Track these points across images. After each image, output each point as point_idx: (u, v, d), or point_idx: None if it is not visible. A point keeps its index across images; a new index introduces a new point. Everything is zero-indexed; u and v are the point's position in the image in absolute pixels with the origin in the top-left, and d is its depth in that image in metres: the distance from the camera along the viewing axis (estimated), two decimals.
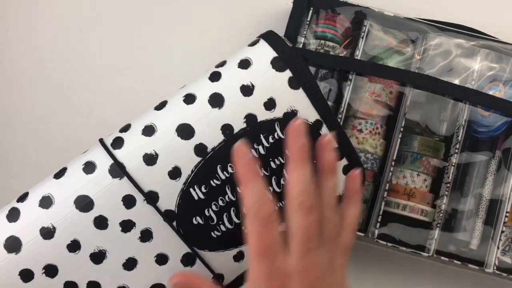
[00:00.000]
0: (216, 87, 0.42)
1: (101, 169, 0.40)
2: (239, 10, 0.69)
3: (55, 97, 0.66)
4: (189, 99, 0.42)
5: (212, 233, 0.43)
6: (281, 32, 0.61)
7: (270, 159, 0.42)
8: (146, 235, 0.41)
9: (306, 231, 0.38)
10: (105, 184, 0.40)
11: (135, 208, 0.40)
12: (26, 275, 0.39)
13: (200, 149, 0.41)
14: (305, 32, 0.61)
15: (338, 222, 0.42)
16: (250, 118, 0.41)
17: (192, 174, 0.41)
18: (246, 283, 0.39)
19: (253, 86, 0.42)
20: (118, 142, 0.41)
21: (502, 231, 0.57)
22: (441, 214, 0.57)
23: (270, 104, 0.42)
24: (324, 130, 0.43)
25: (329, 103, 0.60)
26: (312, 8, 0.62)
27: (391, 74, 0.59)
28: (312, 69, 0.61)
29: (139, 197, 0.40)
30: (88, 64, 0.67)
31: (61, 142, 0.65)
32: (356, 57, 0.60)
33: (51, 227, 0.39)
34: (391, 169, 0.58)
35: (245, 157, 0.39)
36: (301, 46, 0.61)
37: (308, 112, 0.43)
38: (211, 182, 0.41)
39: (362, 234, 0.57)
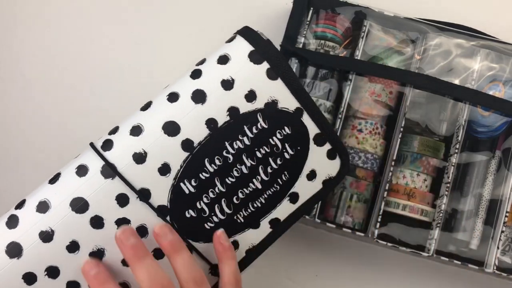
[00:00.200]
0: (197, 84, 0.43)
1: (93, 171, 0.41)
2: (239, 10, 0.69)
3: (54, 97, 0.66)
4: (173, 97, 0.43)
5: (206, 225, 0.44)
6: (281, 32, 0.62)
7: (256, 149, 0.44)
8: (141, 231, 0.42)
9: None
10: (98, 185, 0.41)
11: (129, 206, 0.42)
12: (29, 278, 0.40)
13: (187, 144, 0.42)
14: (305, 32, 0.61)
15: None
16: (233, 111, 0.43)
17: (181, 169, 0.42)
18: None
19: (233, 80, 0.43)
20: (108, 144, 0.42)
21: (502, 231, 0.57)
22: (441, 214, 0.57)
23: (251, 96, 0.44)
24: (305, 117, 0.45)
25: (329, 103, 0.60)
26: (312, 8, 0.62)
27: (391, 74, 0.59)
28: (312, 69, 0.61)
29: (132, 195, 0.42)
30: (88, 65, 0.67)
31: (59, 142, 0.65)
32: (356, 57, 0.60)
33: (50, 231, 0.40)
34: (391, 169, 0.58)
35: (129, 241, 0.40)
36: (301, 46, 0.61)
37: (288, 101, 0.45)
38: (200, 175, 0.43)
39: (362, 234, 0.57)
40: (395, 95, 0.61)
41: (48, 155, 0.64)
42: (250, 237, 0.46)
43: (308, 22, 0.61)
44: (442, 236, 0.58)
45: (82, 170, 0.41)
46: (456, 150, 0.58)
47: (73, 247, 0.41)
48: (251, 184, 0.45)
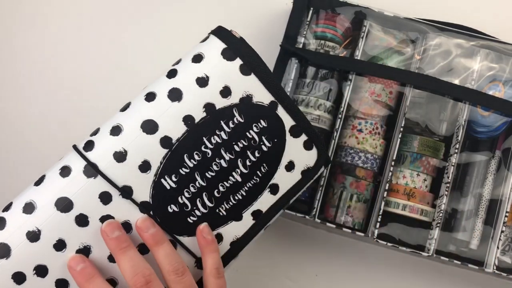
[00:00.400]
0: (173, 83, 0.45)
1: (76, 171, 0.43)
2: (239, 10, 0.69)
3: (54, 97, 0.66)
4: (150, 97, 0.45)
5: (189, 219, 0.45)
6: (281, 32, 0.62)
7: (233, 143, 0.46)
8: (126, 227, 0.43)
9: None
10: (81, 185, 0.42)
11: (112, 203, 0.43)
12: (19, 277, 0.41)
13: (165, 141, 0.44)
14: (305, 32, 0.61)
15: (188, 283, 0.44)
16: (209, 107, 0.45)
17: (161, 166, 0.44)
18: None
19: (207, 77, 0.45)
20: (89, 145, 0.44)
21: (502, 231, 0.57)
22: (441, 214, 0.57)
23: (225, 92, 0.45)
24: (280, 109, 0.47)
25: (329, 103, 0.60)
26: (312, 8, 0.62)
27: (391, 74, 0.59)
28: (312, 69, 0.61)
29: (114, 193, 0.43)
30: (88, 65, 0.67)
31: (59, 142, 0.65)
32: (356, 57, 0.60)
33: (37, 230, 0.41)
34: (391, 169, 0.58)
35: (113, 234, 0.42)
36: (301, 46, 0.61)
37: (262, 95, 0.46)
38: (180, 170, 0.44)
39: (362, 234, 0.57)
40: (395, 95, 0.61)
41: (48, 155, 0.64)
42: (233, 230, 0.47)
43: (308, 22, 0.61)
44: (442, 236, 0.58)
45: (65, 171, 0.43)
46: (456, 150, 0.58)
47: (60, 245, 0.42)
48: (231, 177, 0.46)
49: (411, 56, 0.61)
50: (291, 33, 0.61)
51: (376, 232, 0.57)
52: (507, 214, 0.57)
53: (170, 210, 0.44)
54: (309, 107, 0.60)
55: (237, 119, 0.45)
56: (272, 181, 0.48)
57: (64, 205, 0.42)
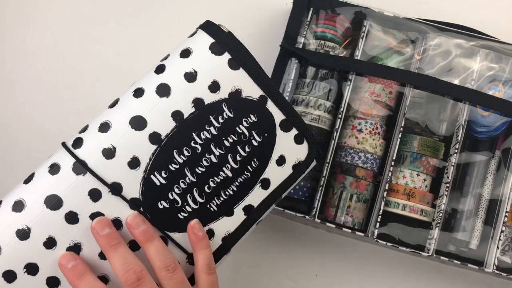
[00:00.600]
0: (161, 78, 0.44)
1: (65, 169, 0.42)
2: (239, 10, 0.69)
3: (53, 98, 0.67)
4: (138, 93, 0.44)
5: (179, 215, 0.45)
6: (281, 32, 0.62)
7: (223, 138, 0.45)
8: (116, 224, 0.43)
9: None
10: (70, 182, 0.42)
11: (101, 200, 0.43)
12: (9, 276, 0.41)
13: (154, 137, 0.43)
14: (305, 32, 0.61)
15: (180, 279, 0.44)
16: (198, 102, 0.44)
17: (151, 162, 0.44)
18: None
19: (196, 72, 0.44)
20: (78, 142, 0.43)
21: (502, 231, 0.57)
22: (440, 214, 0.57)
23: (214, 87, 0.45)
24: (270, 104, 0.46)
25: (329, 103, 0.60)
26: (312, 8, 0.62)
27: (391, 74, 0.59)
28: (312, 69, 0.61)
29: (104, 190, 0.43)
30: (89, 66, 0.67)
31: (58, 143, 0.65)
32: (356, 57, 0.60)
33: (26, 228, 0.41)
34: (391, 169, 0.58)
35: (103, 231, 0.42)
36: (301, 46, 0.61)
37: (251, 89, 0.46)
38: (170, 166, 0.44)
39: (362, 234, 0.57)
40: (395, 95, 0.61)
41: (38, 153, 0.64)
42: (225, 225, 0.47)
43: (308, 22, 0.62)
44: (441, 236, 0.58)
45: (54, 168, 0.42)
46: (456, 150, 0.58)
47: (50, 243, 0.42)
48: (221, 173, 0.46)
49: (411, 56, 0.61)
50: (291, 33, 0.61)
51: (376, 232, 0.57)
52: (506, 214, 0.57)
53: (161, 207, 0.44)
54: (309, 107, 0.60)
55: (226, 114, 0.45)
56: (263, 176, 0.47)
57: (53, 202, 0.42)
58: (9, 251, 0.41)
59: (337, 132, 0.59)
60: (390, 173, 0.58)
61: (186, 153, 0.44)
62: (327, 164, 0.58)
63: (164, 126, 0.44)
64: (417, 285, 0.64)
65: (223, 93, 0.45)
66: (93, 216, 0.42)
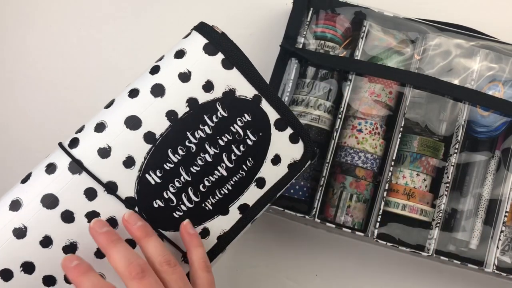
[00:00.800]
0: (156, 79, 0.45)
1: (61, 168, 0.43)
2: (239, 11, 0.69)
3: (40, 95, 0.67)
4: (133, 93, 0.45)
5: (174, 214, 0.46)
6: (281, 32, 0.62)
7: (218, 137, 0.46)
8: (111, 223, 0.44)
9: None
10: (66, 181, 0.43)
11: (97, 199, 0.43)
12: (6, 274, 0.42)
13: (149, 136, 0.44)
14: (305, 32, 0.61)
15: (181, 274, 0.43)
16: (192, 102, 0.45)
17: (145, 161, 0.44)
18: None
19: (189, 72, 0.45)
20: (74, 142, 0.44)
21: (502, 231, 0.57)
22: (440, 214, 0.57)
23: (208, 86, 0.45)
24: (264, 103, 0.47)
25: (329, 103, 0.60)
26: (312, 8, 0.62)
27: (391, 74, 0.59)
28: (312, 69, 0.61)
29: (99, 189, 0.43)
30: (89, 66, 0.67)
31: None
32: (356, 57, 0.60)
33: (23, 227, 0.42)
34: (391, 169, 0.58)
35: (102, 230, 0.42)
36: (301, 46, 0.61)
37: (245, 89, 0.46)
38: (165, 165, 0.45)
39: (362, 234, 0.57)
40: (394, 95, 0.61)
41: (36, 153, 0.64)
42: (220, 224, 0.47)
43: (308, 22, 0.62)
44: (441, 236, 0.58)
45: (51, 168, 0.43)
46: (456, 150, 0.58)
47: (46, 242, 0.42)
48: (216, 172, 0.46)
49: (410, 56, 0.61)
50: (291, 33, 0.61)
51: (376, 232, 0.57)
52: (506, 214, 0.57)
53: (156, 205, 0.45)
54: (309, 107, 0.60)
55: (220, 113, 0.46)
56: (258, 175, 0.48)
57: (49, 201, 0.42)
58: (6, 250, 0.41)
59: (337, 132, 0.59)
60: (390, 173, 0.58)
61: (180, 152, 0.45)
62: (327, 164, 0.58)
63: (159, 125, 0.44)
64: (417, 285, 0.64)
65: (217, 93, 0.46)
66: (89, 215, 0.43)
